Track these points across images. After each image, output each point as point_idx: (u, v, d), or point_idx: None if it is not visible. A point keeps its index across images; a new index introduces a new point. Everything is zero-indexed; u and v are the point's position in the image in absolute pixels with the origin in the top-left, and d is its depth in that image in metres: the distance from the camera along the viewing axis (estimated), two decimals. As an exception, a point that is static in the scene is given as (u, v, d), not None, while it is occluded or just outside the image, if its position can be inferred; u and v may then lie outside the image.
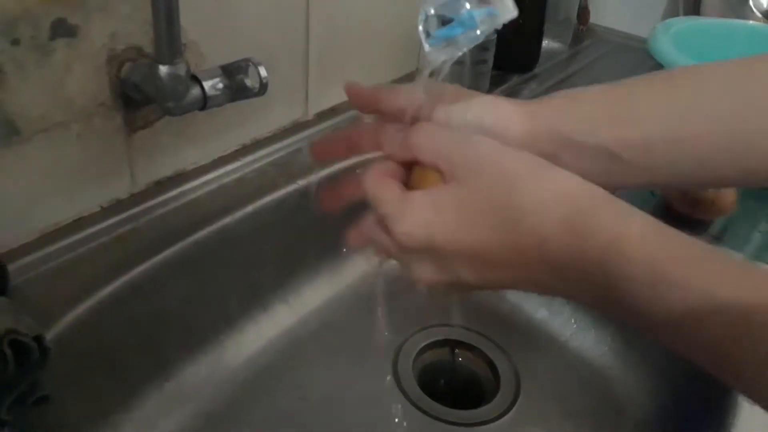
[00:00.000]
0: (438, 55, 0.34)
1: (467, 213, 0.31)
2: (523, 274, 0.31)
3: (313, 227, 0.61)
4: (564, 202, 0.29)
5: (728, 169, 0.35)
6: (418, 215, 0.32)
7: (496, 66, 0.82)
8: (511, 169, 0.31)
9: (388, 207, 0.33)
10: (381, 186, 0.34)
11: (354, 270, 0.64)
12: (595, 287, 0.29)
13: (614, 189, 0.33)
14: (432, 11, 0.32)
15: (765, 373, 0.25)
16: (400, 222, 0.32)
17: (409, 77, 0.80)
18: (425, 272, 0.33)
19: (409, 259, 0.33)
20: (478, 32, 0.32)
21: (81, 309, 0.45)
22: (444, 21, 0.32)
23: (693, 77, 0.36)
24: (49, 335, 0.42)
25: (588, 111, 0.36)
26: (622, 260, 0.27)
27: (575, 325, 0.62)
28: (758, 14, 0.89)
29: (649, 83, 0.37)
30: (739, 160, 0.34)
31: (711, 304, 0.26)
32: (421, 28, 0.33)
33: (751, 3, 0.90)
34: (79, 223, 0.51)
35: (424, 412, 0.53)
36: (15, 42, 0.42)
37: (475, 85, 0.80)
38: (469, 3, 0.32)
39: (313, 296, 0.61)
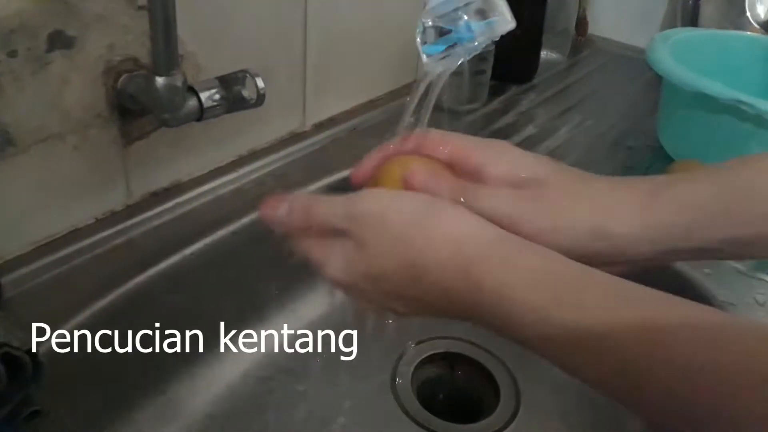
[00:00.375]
0: (436, 67, 0.34)
1: (377, 273, 0.33)
2: (443, 312, 0.32)
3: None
4: (455, 252, 0.31)
5: None
6: (337, 263, 0.34)
7: (495, 76, 0.82)
8: (399, 226, 0.32)
9: (315, 254, 0.35)
10: (303, 234, 0.36)
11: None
12: (496, 328, 0.30)
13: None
14: (430, 23, 0.32)
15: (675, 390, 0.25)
16: (325, 267, 0.34)
17: (408, 88, 0.80)
18: (361, 300, 0.35)
19: (347, 288, 0.35)
20: (476, 43, 0.32)
21: (75, 322, 0.44)
22: (442, 32, 0.32)
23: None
24: (43, 349, 0.41)
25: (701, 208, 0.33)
26: (512, 306, 0.29)
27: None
28: (756, 25, 0.89)
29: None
30: None
31: (599, 330, 0.27)
32: (419, 39, 0.33)
33: (748, 14, 0.90)
34: (73, 235, 0.50)
35: (423, 427, 0.52)
36: (12, 54, 0.42)
37: (473, 96, 0.80)
38: (467, 14, 0.32)
39: (310, 309, 0.61)
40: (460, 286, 0.30)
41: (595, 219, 0.33)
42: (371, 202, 0.33)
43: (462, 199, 0.34)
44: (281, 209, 0.36)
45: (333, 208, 0.34)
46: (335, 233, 0.34)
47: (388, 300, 0.34)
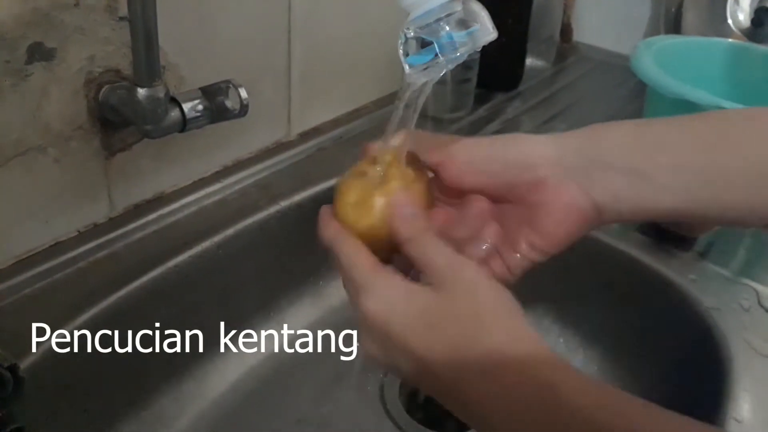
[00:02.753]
0: (419, 77, 0.34)
1: (430, 316, 0.31)
2: (455, 396, 0.31)
3: (296, 249, 0.60)
4: (518, 368, 0.29)
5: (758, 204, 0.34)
6: (384, 295, 0.32)
7: (480, 84, 0.82)
8: (483, 304, 0.31)
9: (359, 275, 0.33)
10: (356, 250, 0.34)
11: (337, 292, 0.64)
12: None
13: (645, 214, 0.35)
14: (411, 34, 0.32)
15: None
16: (366, 296, 0.33)
17: (393, 97, 0.80)
18: (370, 346, 0.34)
19: (362, 327, 0.34)
20: (458, 54, 0.32)
21: (57, 337, 0.43)
22: (424, 43, 0.32)
23: (720, 116, 0.37)
24: (24, 364, 0.41)
25: (618, 137, 0.35)
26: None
27: (564, 345, 0.62)
28: (737, 32, 0.90)
29: (679, 119, 0.36)
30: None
31: None
32: (401, 50, 0.33)
33: (730, 21, 0.91)
34: (55, 249, 0.50)
35: (410, 437, 0.52)
36: (-11, 66, 0.42)
37: (459, 104, 0.80)
38: (449, 25, 0.32)
39: (295, 319, 0.60)
40: (470, 377, 0.30)
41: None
42: (376, 305, 0.32)
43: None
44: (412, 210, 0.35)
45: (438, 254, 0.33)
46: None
47: (402, 357, 0.32)
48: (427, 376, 0.32)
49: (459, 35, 0.32)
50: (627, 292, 0.59)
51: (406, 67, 0.33)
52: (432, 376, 0.31)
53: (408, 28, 0.33)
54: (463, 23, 0.32)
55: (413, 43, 0.32)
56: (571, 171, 0.34)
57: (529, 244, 0.35)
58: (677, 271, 0.55)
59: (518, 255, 0.36)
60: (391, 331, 0.32)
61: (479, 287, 0.32)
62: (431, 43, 0.32)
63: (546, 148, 0.36)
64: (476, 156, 0.36)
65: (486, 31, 0.32)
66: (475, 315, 0.31)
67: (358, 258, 0.34)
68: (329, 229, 0.36)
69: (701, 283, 0.53)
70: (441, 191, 0.38)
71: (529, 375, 0.29)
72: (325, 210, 0.37)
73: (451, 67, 0.33)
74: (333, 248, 0.35)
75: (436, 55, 0.32)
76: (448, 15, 0.32)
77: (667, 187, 0.34)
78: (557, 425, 0.28)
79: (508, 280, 0.36)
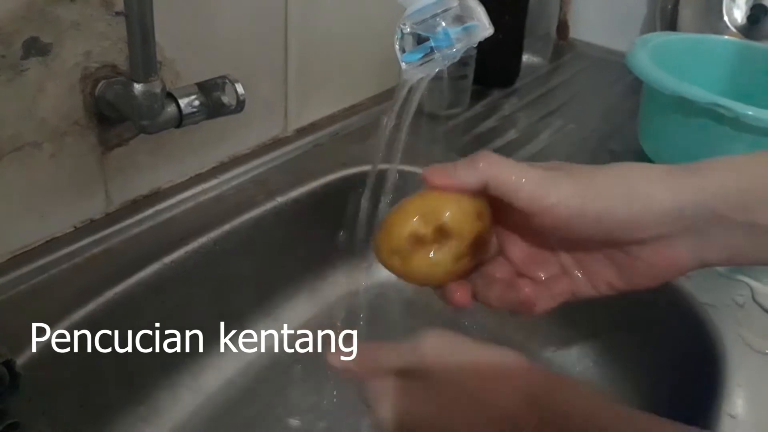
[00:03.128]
0: (415, 73, 0.34)
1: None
2: None
3: (293, 245, 0.60)
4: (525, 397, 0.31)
5: None
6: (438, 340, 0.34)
7: (477, 81, 0.82)
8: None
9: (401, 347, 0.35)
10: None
11: (334, 289, 0.64)
12: None
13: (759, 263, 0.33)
14: (408, 30, 0.32)
15: None
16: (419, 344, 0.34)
17: (390, 93, 0.80)
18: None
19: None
20: (455, 50, 0.32)
21: (54, 332, 0.43)
22: (420, 39, 0.32)
23: None
24: (21, 360, 0.41)
25: (735, 182, 0.32)
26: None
27: (558, 341, 0.62)
28: (733, 29, 0.90)
29: None
30: None
31: None
32: (397, 46, 0.33)
33: (726, 18, 0.91)
34: (51, 245, 0.49)
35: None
36: (-15, 61, 0.41)
37: (456, 100, 0.80)
38: (445, 21, 0.32)
39: (292, 316, 0.60)
40: (527, 414, 0.30)
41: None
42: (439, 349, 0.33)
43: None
44: (347, 360, 0.36)
45: (393, 358, 0.35)
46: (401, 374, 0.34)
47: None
48: None
49: (455, 31, 0.32)
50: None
51: (403, 63, 0.33)
52: None
53: (404, 24, 0.33)
54: (460, 19, 0.32)
55: (409, 39, 0.33)
56: (690, 229, 0.31)
57: (608, 285, 0.35)
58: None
59: (590, 287, 0.35)
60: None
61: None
62: (427, 38, 0.32)
63: (664, 199, 0.31)
64: (581, 210, 0.31)
65: (482, 27, 0.32)
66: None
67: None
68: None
69: (695, 279, 0.53)
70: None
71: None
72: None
73: (447, 63, 0.33)
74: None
75: (432, 50, 0.32)
76: (445, 11, 0.32)
77: None
78: None
79: (564, 301, 0.36)
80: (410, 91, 0.36)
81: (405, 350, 0.34)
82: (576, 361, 0.60)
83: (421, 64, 0.33)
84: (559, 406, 0.31)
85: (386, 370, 0.35)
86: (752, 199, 0.31)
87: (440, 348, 0.33)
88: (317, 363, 0.57)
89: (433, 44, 0.32)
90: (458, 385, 0.32)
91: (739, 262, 0.33)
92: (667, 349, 0.55)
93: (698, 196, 0.31)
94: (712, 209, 0.31)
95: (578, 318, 0.62)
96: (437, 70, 0.34)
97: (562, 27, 1.06)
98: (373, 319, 0.52)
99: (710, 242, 0.31)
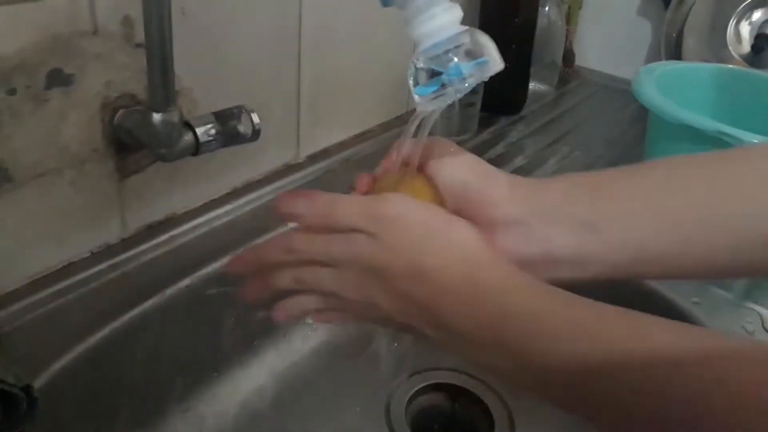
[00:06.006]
0: (428, 106, 0.35)
1: (381, 265, 0.34)
2: (442, 326, 0.33)
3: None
4: (462, 258, 0.33)
5: (712, 255, 0.34)
6: (342, 256, 0.35)
7: (484, 108, 0.84)
8: (417, 231, 0.34)
9: (367, 199, 0.36)
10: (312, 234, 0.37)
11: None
12: (490, 342, 0.31)
13: (584, 269, 0.35)
14: (421, 64, 0.33)
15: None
16: (384, 202, 0.35)
17: (399, 120, 0.82)
18: (355, 306, 0.36)
19: (341, 278, 0.35)
20: (467, 84, 0.33)
21: (70, 357, 0.44)
22: (433, 73, 0.33)
23: (668, 167, 0.37)
24: (38, 383, 0.41)
25: (568, 185, 0.36)
26: (515, 310, 0.31)
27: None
28: (737, 58, 0.92)
29: (630, 171, 0.37)
30: (717, 249, 0.34)
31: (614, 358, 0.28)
32: (411, 80, 0.34)
33: (730, 48, 0.93)
34: (68, 269, 0.50)
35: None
36: (11, 91, 0.43)
37: (464, 127, 0.81)
38: (457, 56, 0.33)
39: (303, 339, 0.61)
40: (463, 287, 0.32)
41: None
42: (395, 204, 0.35)
43: None
44: (300, 204, 0.37)
45: (355, 206, 0.35)
46: (349, 231, 0.35)
47: (384, 301, 0.34)
48: (400, 300, 0.34)
49: (467, 66, 0.33)
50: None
51: (416, 96, 0.34)
52: (405, 298, 0.34)
53: (417, 59, 0.34)
54: (471, 54, 0.33)
55: (423, 74, 0.33)
56: (512, 218, 0.35)
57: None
58: (681, 294, 0.55)
59: None
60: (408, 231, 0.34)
61: (408, 216, 0.35)
62: (440, 73, 0.33)
63: (500, 186, 0.37)
64: (438, 176, 0.37)
65: (494, 61, 0.33)
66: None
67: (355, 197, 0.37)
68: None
69: (705, 307, 0.54)
70: None
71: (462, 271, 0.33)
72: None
73: (459, 96, 0.34)
74: (326, 204, 0.36)
75: (445, 85, 0.33)
76: (457, 46, 0.33)
77: (615, 241, 0.34)
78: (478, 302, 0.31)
79: None
80: (422, 121, 0.37)
81: (359, 202, 0.35)
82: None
83: (434, 98, 0.34)
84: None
85: (337, 223, 0.35)
86: (577, 194, 0.36)
87: (399, 208, 0.35)
88: (327, 383, 0.58)
89: (445, 79, 0.33)
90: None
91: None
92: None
93: (527, 189, 0.37)
94: (535, 202, 0.36)
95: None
96: (449, 102, 0.35)
97: (568, 55, 1.08)
98: (383, 341, 0.52)
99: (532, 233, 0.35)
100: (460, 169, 0.37)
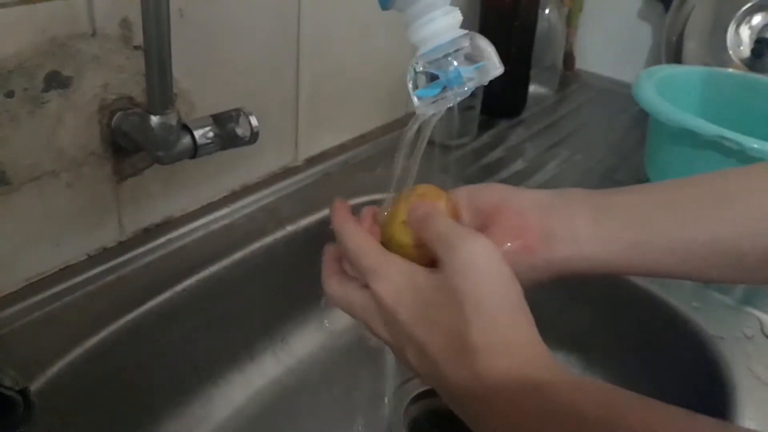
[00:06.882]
0: (427, 110, 0.35)
1: (426, 301, 0.32)
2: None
3: (302, 274, 0.60)
4: (512, 358, 0.30)
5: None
6: (394, 280, 0.33)
7: (484, 111, 0.83)
8: (483, 297, 0.31)
9: (371, 260, 0.34)
10: (366, 237, 0.35)
11: (344, 317, 0.64)
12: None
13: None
14: (421, 68, 0.33)
15: None
16: (378, 280, 0.33)
17: (398, 123, 0.81)
18: (381, 330, 0.35)
19: (371, 311, 0.35)
20: (466, 88, 0.33)
21: (67, 360, 0.44)
22: (432, 77, 0.33)
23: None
24: (34, 386, 0.41)
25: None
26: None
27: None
28: (738, 62, 0.91)
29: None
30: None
31: None
32: (410, 84, 0.34)
33: (730, 51, 0.92)
34: (65, 272, 0.50)
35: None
36: (9, 94, 0.43)
37: (463, 130, 0.81)
38: (457, 60, 0.33)
39: (301, 345, 0.61)
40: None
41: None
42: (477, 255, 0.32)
43: None
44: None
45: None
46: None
47: (408, 345, 0.33)
48: (429, 365, 0.32)
49: (466, 70, 0.33)
50: (630, 320, 0.59)
51: (415, 100, 0.34)
52: (433, 366, 0.32)
53: (417, 62, 0.34)
54: (471, 58, 0.33)
55: (422, 78, 0.33)
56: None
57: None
58: (680, 299, 0.55)
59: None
60: (399, 317, 0.32)
61: (472, 266, 0.31)
62: (439, 77, 0.33)
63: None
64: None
65: (493, 65, 0.33)
66: (464, 298, 0.31)
67: (368, 244, 0.35)
68: (338, 216, 0.37)
69: (704, 312, 0.54)
70: None
71: (520, 377, 0.30)
72: (337, 200, 0.39)
73: (458, 100, 0.34)
74: (341, 234, 0.36)
75: (444, 88, 0.33)
76: (456, 50, 0.33)
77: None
78: (545, 420, 0.28)
79: None
80: (422, 125, 0.37)
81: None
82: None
83: (434, 102, 0.33)
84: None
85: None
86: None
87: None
88: (326, 390, 0.58)
89: (445, 83, 0.32)
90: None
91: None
92: (675, 381, 0.55)
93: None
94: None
95: (585, 348, 0.62)
96: (448, 106, 0.35)
97: (569, 58, 1.08)
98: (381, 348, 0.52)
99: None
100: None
